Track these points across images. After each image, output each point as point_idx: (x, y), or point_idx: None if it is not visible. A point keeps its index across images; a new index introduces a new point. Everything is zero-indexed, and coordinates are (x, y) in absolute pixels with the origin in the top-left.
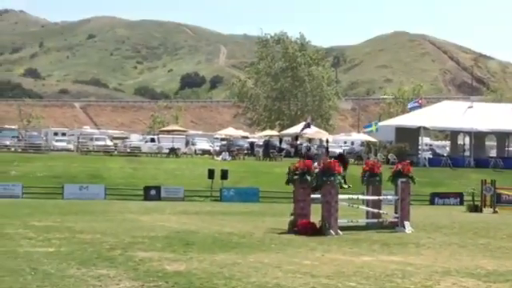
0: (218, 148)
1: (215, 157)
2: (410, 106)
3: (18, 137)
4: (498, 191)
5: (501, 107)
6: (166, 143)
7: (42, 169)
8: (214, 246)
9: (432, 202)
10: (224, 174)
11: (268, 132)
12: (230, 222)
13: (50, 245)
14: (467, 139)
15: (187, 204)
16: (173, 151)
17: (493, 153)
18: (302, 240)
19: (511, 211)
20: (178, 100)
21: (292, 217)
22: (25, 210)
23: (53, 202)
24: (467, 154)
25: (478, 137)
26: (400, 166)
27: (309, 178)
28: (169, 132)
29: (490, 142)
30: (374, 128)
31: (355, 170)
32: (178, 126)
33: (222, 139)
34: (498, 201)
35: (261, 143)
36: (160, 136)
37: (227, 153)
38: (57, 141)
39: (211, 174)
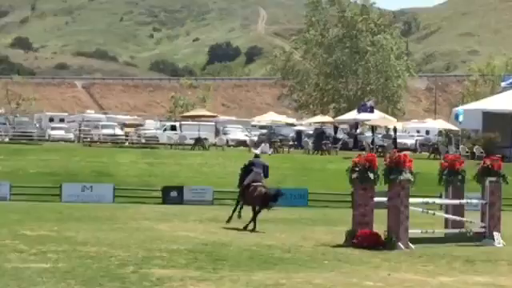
0: (255, 138)
1: (252, 149)
2: (503, 84)
3: (4, 123)
4: None
5: None
6: (191, 132)
7: (34, 164)
8: (251, 262)
9: None
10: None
11: (320, 118)
12: (270, 231)
13: (44, 260)
14: None
15: (217, 209)
16: (199, 142)
17: None
18: (363, 255)
19: None
20: (205, 77)
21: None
22: (13, 215)
23: (48, 205)
24: None
25: None
26: (488, 162)
27: (372, 176)
28: (194, 118)
29: None
30: (459, 115)
31: (431, 167)
32: (205, 110)
33: (262, 127)
34: None
35: (310, 132)
36: (183, 123)
37: (268, 144)
38: (53, 129)
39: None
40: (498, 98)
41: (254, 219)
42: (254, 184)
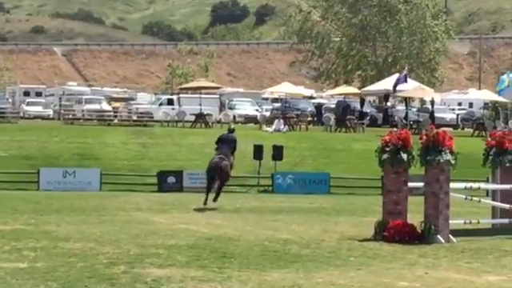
0: (268, 113)
1: (264, 126)
2: None
3: None
4: None
5: None
6: (191, 106)
7: (7, 145)
8: (264, 259)
9: None
10: (278, 153)
11: (343, 89)
12: (286, 223)
13: (20, 258)
14: None
15: (222, 196)
16: (201, 118)
17: None
18: (396, 250)
19: None
20: (207, 42)
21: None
22: None
23: (24, 194)
24: None
25: None
26: None
27: (405, 157)
28: (195, 90)
29: None
30: (507, 83)
31: (475, 146)
32: (207, 80)
33: (275, 100)
34: None
35: (333, 106)
36: (181, 96)
37: (282, 121)
38: (29, 104)
39: (259, 152)
40: None
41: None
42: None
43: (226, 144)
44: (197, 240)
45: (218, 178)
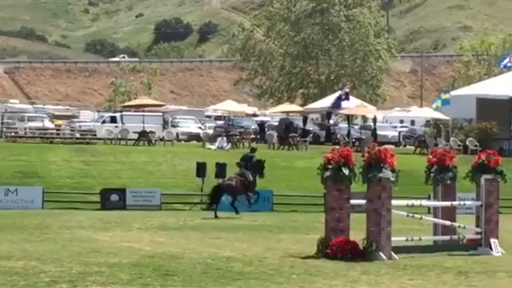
0: (211, 131)
1: (207, 144)
2: (499, 66)
3: None
4: None
5: None
6: (134, 124)
7: None
8: (207, 277)
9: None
10: (221, 170)
11: (286, 107)
12: (229, 241)
13: None
14: None
15: (166, 214)
16: (144, 136)
17: None
18: (338, 267)
19: None
20: (150, 60)
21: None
22: None
23: None
24: None
25: None
26: (484, 157)
27: (347, 174)
28: (138, 108)
29: None
30: (438, 105)
31: (417, 163)
32: (150, 98)
33: (218, 118)
34: None
35: (276, 123)
36: (124, 114)
37: (225, 138)
38: None
39: (202, 169)
40: (495, 82)
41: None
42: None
43: (246, 162)
44: (139, 258)
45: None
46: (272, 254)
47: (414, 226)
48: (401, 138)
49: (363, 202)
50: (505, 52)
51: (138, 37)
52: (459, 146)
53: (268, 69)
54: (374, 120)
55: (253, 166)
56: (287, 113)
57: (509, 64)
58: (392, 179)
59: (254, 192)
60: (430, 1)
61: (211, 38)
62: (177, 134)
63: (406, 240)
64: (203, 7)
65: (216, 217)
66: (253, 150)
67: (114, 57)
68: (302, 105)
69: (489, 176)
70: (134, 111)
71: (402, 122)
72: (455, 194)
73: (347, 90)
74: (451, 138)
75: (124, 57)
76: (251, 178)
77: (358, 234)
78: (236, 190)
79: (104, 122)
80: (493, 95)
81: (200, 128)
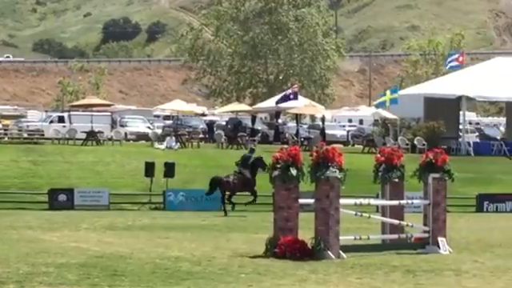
0: (159, 131)
1: (156, 144)
2: (447, 65)
3: None
4: None
5: None
6: (82, 124)
7: None
8: (155, 277)
9: (480, 209)
10: (169, 170)
11: (235, 106)
12: (178, 240)
13: None
14: None
15: (114, 214)
16: (92, 136)
17: None
18: (286, 266)
19: None
20: (99, 59)
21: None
22: None
23: None
24: None
25: None
26: (431, 156)
27: (295, 173)
28: (86, 107)
29: None
30: (387, 98)
31: (365, 162)
32: (99, 98)
33: (166, 117)
34: None
35: (224, 123)
36: (72, 114)
37: (174, 138)
38: None
39: (150, 169)
40: (442, 81)
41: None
42: None
43: (245, 162)
44: (87, 258)
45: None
46: (221, 253)
47: (363, 225)
48: (349, 137)
49: (312, 201)
50: (451, 51)
51: (86, 36)
52: (407, 145)
53: (217, 68)
54: (323, 119)
55: (250, 165)
56: (236, 112)
57: (454, 64)
58: (340, 178)
59: (253, 191)
60: (378, 0)
61: (160, 38)
62: (125, 133)
63: (355, 239)
64: (151, 7)
65: (226, 215)
66: (252, 150)
67: (63, 57)
68: (251, 104)
69: (436, 175)
70: (82, 111)
71: (350, 121)
72: (403, 192)
73: (296, 89)
74: (399, 137)
75: (8, 56)
76: (249, 176)
77: (306, 233)
78: (232, 187)
79: (52, 121)
80: (440, 94)
81: (148, 128)
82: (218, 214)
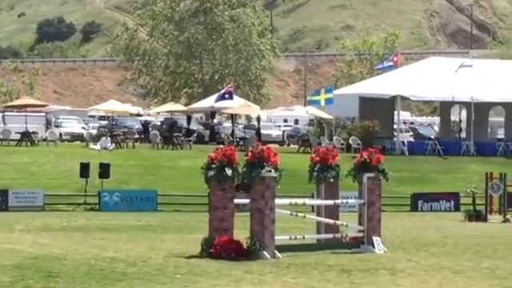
0: (94, 131)
1: (91, 144)
2: (379, 66)
3: None
4: (511, 190)
5: None
6: (16, 125)
7: None
8: (90, 278)
9: (414, 208)
10: (104, 171)
11: (170, 106)
12: (113, 241)
13: None
14: (464, 114)
15: (49, 215)
16: (26, 137)
17: (501, 133)
18: (222, 267)
19: None
20: (33, 60)
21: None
22: None
23: None
24: (464, 135)
25: (481, 110)
26: (366, 155)
27: (230, 173)
28: (20, 108)
29: (497, 118)
30: (322, 98)
31: (301, 162)
32: (33, 98)
33: (102, 118)
34: (510, 204)
35: (159, 123)
36: (6, 114)
37: (109, 138)
38: None
39: (85, 170)
40: (377, 81)
41: None
42: None
43: None
44: (22, 260)
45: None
46: (156, 254)
47: (298, 225)
48: (285, 137)
49: (247, 201)
50: (385, 53)
51: (20, 36)
52: (342, 144)
53: (152, 68)
54: (258, 119)
55: None
56: (171, 112)
57: (386, 64)
58: (275, 178)
59: None
60: (313, 0)
61: (95, 38)
62: (60, 134)
63: (290, 239)
64: (86, 6)
65: None
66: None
67: None
68: (186, 104)
69: (371, 174)
70: (17, 111)
71: (285, 121)
72: (338, 192)
73: (231, 89)
74: (334, 137)
75: None
76: None
77: (241, 233)
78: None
79: None
80: (375, 94)
81: (83, 128)
82: (153, 215)
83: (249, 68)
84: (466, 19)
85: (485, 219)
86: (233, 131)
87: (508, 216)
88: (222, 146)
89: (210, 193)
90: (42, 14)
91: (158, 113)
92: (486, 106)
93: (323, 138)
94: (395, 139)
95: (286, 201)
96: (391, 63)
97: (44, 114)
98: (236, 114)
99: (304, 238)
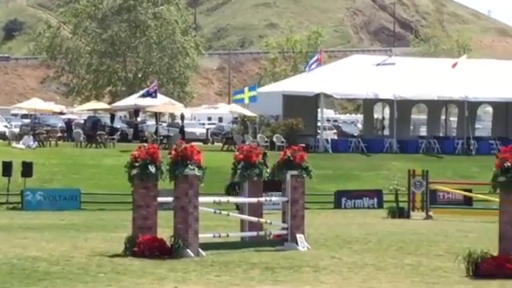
0: (17, 130)
1: (13, 143)
2: (308, 68)
3: None
4: (433, 187)
5: (435, 63)
6: None
7: None
8: (12, 277)
9: (338, 205)
10: (27, 169)
11: (93, 105)
12: (36, 240)
13: None
14: (387, 111)
15: None
16: None
17: (423, 130)
18: (145, 265)
19: (451, 216)
20: None
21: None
22: None
23: None
24: (387, 133)
25: (403, 108)
26: (289, 153)
27: (154, 171)
28: None
29: (419, 116)
30: (246, 96)
31: (225, 160)
32: None
33: (24, 116)
34: (432, 201)
35: (83, 121)
36: None
37: (31, 137)
38: None
39: (7, 168)
40: (300, 79)
41: None
42: None
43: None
44: None
45: None
46: (79, 253)
47: (222, 223)
48: (209, 135)
49: (171, 199)
50: (309, 51)
51: None
52: (266, 142)
53: (75, 66)
54: (182, 117)
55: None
56: (95, 110)
57: (314, 66)
58: (199, 176)
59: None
60: None
61: (17, 36)
62: None
63: (214, 237)
64: (8, 4)
65: None
66: (265, 154)
67: None
68: (110, 102)
69: (294, 172)
70: None
71: (210, 119)
72: (262, 190)
73: (155, 87)
74: (258, 135)
75: None
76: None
77: (165, 231)
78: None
79: None
80: (298, 92)
81: (6, 126)
82: (77, 214)
83: (172, 66)
84: (388, 17)
85: (407, 216)
86: (156, 129)
87: (430, 213)
88: (145, 144)
89: (133, 191)
90: None
91: (82, 111)
92: (409, 104)
93: (247, 135)
94: (319, 137)
95: (210, 199)
96: (317, 63)
97: None
98: (160, 112)
99: (228, 235)
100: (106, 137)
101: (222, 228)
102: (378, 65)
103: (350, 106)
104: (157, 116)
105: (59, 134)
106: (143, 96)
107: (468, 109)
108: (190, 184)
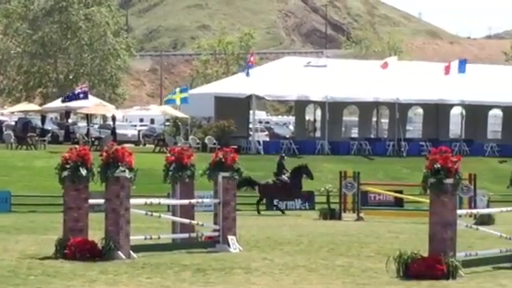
0: None
1: None
2: (246, 71)
3: None
4: (364, 188)
5: (366, 65)
6: None
7: None
8: None
9: (269, 207)
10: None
11: (24, 106)
12: None
13: None
14: (319, 113)
15: None
16: None
17: (355, 132)
18: (76, 268)
19: (382, 217)
20: None
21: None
22: None
23: None
24: (319, 134)
25: (335, 109)
26: (221, 154)
27: (85, 173)
28: None
29: (351, 117)
30: (177, 97)
31: (156, 161)
32: None
33: None
34: (363, 203)
35: (13, 123)
36: None
37: None
38: None
39: None
40: (232, 81)
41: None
42: None
43: (280, 168)
44: None
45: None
46: (9, 255)
47: (154, 225)
48: (140, 136)
49: (102, 201)
50: (241, 52)
51: None
52: (198, 144)
53: (5, 68)
54: (114, 119)
55: (294, 171)
56: (25, 112)
57: (249, 69)
58: (130, 178)
59: (298, 195)
60: (168, 0)
61: None
62: None
63: (145, 239)
64: None
65: (283, 213)
66: (282, 157)
67: None
68: (41, 104)
69: (226, 174)
70: None
71: (141, 120)
72: (193, 191)
73: (85, 88)
74: (190, 137)
75: None
76: (286, 180)
77: (97, 233)
78: (272, 191)
79: None
80: (230, 94)
81: None
82: (7, 216)
83: (104, 67)
84: (320, 19)
85: (339, 217)
86: (88, 131)
87: (361, 214)
88: (76, 146)
89: (64, 193)
90: None
91: (12, 113)
92: (340, 106)
93: (179, 137)
94: (251, 138)
95: (142, 200)
96: (250, 64)
97: None
98: (91, 114)
99: (159, 237)
100: (36, 138)
101: (153, 230)
102: (307, 64)
103: (281, 107)
104: (88, 118)
105: None
106: (68, 99)
107: (399, 111)
108: (122, 186)
